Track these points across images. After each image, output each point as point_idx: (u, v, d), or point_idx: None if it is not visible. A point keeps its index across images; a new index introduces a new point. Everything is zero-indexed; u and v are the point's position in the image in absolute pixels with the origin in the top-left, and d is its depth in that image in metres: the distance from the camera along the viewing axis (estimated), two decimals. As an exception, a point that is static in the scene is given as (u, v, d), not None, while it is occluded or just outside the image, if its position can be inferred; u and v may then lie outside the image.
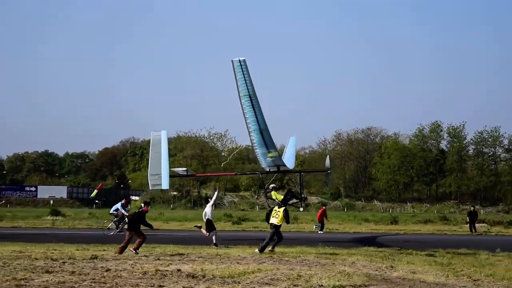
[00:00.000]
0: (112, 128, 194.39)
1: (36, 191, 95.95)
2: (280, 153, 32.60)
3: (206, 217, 23.49)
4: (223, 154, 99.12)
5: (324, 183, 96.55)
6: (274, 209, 21.16)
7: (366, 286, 12.31)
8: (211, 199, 24.34)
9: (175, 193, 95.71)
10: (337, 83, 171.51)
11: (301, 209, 30.85)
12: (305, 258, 17.71)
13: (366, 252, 20.76)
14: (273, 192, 28.59)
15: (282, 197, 27.95)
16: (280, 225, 20.43)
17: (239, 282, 12.03)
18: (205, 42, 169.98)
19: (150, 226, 19.42)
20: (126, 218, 30.84)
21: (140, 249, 18.40)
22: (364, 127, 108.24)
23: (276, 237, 20.33)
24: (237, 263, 15.90)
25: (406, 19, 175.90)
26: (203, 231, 23.52)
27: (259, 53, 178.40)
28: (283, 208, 20.76)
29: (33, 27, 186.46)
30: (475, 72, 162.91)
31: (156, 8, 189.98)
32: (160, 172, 27.32)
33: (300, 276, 13.18)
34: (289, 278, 12.79)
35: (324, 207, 38.23)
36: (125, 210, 31.56)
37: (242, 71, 21.37)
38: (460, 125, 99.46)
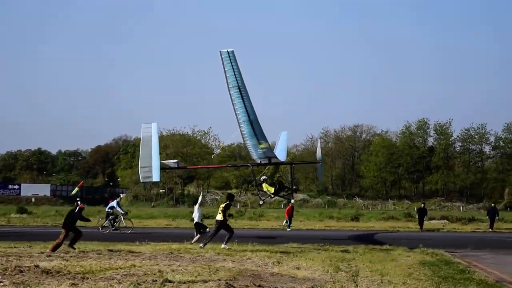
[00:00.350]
0: (109, 127, 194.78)
1: (19, 189, 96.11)
2: (272, 148, 32.91)
3: (195, 221, 23.78)
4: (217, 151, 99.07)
5: (315, 178, 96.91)
6: (220, 205, 21.39)
7: (220, 280, 12.29)
8: (197, 203, 24.24)
9: (162, 190, 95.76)
10: (337, 83, 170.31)
11: (293, 200, 31.50)
12: (203, 255, 17.78)
13: (283, 248, 20.72)
14: (264, 184, 29.10)
15: (273, 189, 28.99)
16: (223, 220, 20.57)
17: (87, 278, 12.09)
18: (205, 42, 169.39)
19: (87, 220, 20.56)
20: (122, 216, 32.15)
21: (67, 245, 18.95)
22: (352, 124, 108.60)
23: (227, 232, 20.51)
24: (125, 259, 16.00)
25: (406, 19, 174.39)
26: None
27: (259, 53, 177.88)
28: (225, 203, 20.93)
29: (33, 27, 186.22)
30: (475, 72, 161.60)
31: (156, 8, 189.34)
32: (151, 165, 27.51)
33: (160, 271, 13.28)
34: (145, 274, 12.88)
35: (291, 204, 36.89)
36: (121, 208, 32.06)
37: (231, 62, 21.50)
38: (446, 122, 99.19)
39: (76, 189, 58.34)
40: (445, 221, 44.64)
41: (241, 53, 21.04)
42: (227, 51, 21.40)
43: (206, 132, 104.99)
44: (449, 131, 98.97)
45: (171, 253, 18.17)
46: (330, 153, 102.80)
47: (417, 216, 38.07)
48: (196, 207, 24.14)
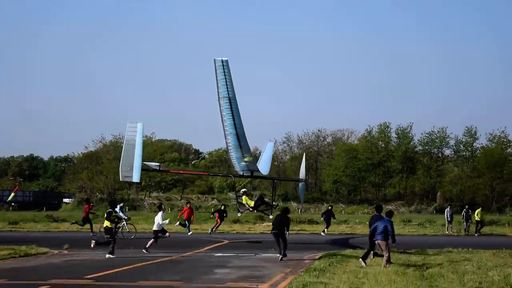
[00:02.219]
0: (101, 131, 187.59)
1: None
2: (257, 158, 33.03)
3: (154, 228, 23.32)
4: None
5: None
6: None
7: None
8: (161, 217, 23.33)
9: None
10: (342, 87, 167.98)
11: (270, 216, 30.73)
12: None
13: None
14: (244, 197, 29.49)
15: (253, 202, 29.45)
16: (110, 227, 21.21)
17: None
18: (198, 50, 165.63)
19: None
20: (124, 221, 31.74)
21: None
22: (315, 128, 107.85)
23: (113, 240, 21.13)
24: None
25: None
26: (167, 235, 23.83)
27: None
28: (108, 211, 21.57)
29: (22, 32, 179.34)
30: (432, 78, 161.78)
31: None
32: (132, 164, 27.38)
33: None
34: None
35: (188, 205, 35.92)
36: (123, 213, 31.88)
37: (224, 71, 21.23)
38: (407, 126, 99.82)
39: (13, 194, 57.87)
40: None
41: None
42: (221, 60, 21.03)
43: (150, 136, 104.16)
44: (410, 134, 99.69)
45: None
46: (292, 157, 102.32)
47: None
48: (160, 213, 23.65)
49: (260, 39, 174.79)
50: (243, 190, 30.35)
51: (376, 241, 17.95)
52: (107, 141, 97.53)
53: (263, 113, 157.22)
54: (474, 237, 35.66)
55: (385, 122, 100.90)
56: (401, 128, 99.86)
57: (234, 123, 23.46)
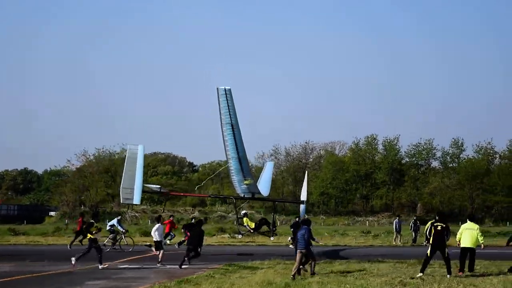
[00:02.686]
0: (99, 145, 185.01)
1: None
2: (256, 177, 34.36)
3: (154, 239, 23.31)
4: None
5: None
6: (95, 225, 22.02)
7: None
8: (156, 230, 23.35)
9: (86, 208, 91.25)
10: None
11: (272, 238, 30.71)
12: None
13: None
14: (245, 219, 29.78)
15: (254, 224, 29.66)
16: (94, 238, 21.53)
17: None
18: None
19: None
20: (122, 234, 31.83)
21: None
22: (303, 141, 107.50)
23: (87, 250, 21.52)
24: None
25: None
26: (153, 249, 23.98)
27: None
28: (88, 222, 22.01)
29: (21, 32, 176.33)
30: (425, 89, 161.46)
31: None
32: (133, 187, 27.27)
33: None
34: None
35: (171, 217, 35.47)
36: (121, 226, 32.01)
37: (227, 99, 22.00)
38: (394, 138, 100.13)
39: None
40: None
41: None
42: (224, 89, 21.86)
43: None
44: (397, 146, 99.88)
45: None
46: (281, 169, 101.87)
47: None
48: (158, 225, 23.63)
49: (260, 39, 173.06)
50: (244, 212, 30.70)
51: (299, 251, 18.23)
52: (90, 155, 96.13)
53: (263, 113, 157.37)
54: (421, 248, 34.31)
55: (372, 134, 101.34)
56: (388, 140, 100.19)
57: (236, 148, 23.97)
